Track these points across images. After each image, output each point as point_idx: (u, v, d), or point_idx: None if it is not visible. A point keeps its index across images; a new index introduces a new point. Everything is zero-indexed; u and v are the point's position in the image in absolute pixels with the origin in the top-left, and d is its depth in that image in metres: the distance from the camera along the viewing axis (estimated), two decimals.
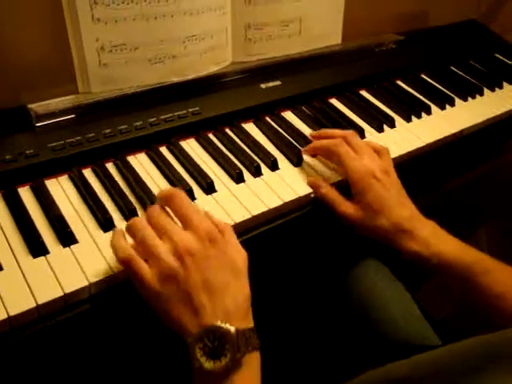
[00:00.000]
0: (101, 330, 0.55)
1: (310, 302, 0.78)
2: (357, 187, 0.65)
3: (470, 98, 0.96)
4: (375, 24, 1.03)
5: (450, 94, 0.95)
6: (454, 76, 1.03)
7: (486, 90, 1.00)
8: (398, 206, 0.64)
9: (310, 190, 0.67)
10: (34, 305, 0.48)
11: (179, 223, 0.52)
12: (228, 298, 0.48)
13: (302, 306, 0.78)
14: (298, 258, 0.79)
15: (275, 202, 0.64)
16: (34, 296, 0.49)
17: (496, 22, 1.29)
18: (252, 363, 0.47)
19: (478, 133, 0.90)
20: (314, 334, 0.74)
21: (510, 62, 1.13)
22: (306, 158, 0.72)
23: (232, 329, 0.46)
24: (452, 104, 0.93)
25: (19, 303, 0.48)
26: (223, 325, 0.46)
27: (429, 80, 1.00)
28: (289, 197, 0.65)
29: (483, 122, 0.90)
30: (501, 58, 1.14)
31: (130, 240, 0.52)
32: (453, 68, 1.06)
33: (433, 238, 0.63)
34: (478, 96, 0.98)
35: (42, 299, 0.49)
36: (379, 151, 0.70)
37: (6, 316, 0.47)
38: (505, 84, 1.04)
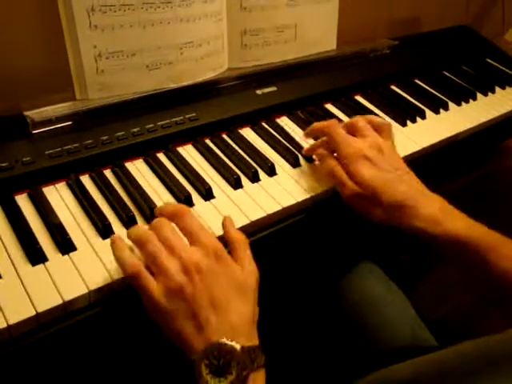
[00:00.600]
0: (102, 338, 0.55)
1: (305, 305, 0.78)
2: (349, 170, 0.63)
3: (463, 103, 0.97)
4: (369, 30, 1.04)
5: (443, 98, 0.96)
6: (447, 81, 1.04)
7: (478, 95, 1.01)
8: (396, 185, 0.62)
9: (308, 195, 0.67)
10: (33, 313, 0.48)
11: (185, 239, 0.52)
12: (234, 315, 0.48)
13: (298, 310, 0.77)
14: (295, 261, 0.79)
15: (274, 208, 0.64)
16: (33, 304, 0.48)
17: (484, 27, 1.31)
18: (258, 381, 0.46)
19: (472, 137, 0.91)
20: (311, 338, 0.74)
21: (501, 67, 1.14)
22: (303, 163, 0.73)
23: (237, 346, 0.45)
24: (446, 108, 0.94)
25: (19, 312, 0.47)
26: (229, 342, 0.45)
27: (422, 85, 1.00)
28: (287, 202, 0.65)
29: (478, 125, 0.91)
30: (492, 63, 1.16)
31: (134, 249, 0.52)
32: (446, 73, 1.07)
33: (439, 215, 0.60)
34: (471, 100, 0.99)
35: (42, 307, 0.48)
36: (379, 127, 0.68)
37: (5, 325, 0.46)
38: (497, 88, 1.05)
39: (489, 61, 1.16)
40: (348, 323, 0.75)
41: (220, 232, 0.59)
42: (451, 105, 0.95)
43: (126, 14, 0.65)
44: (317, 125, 0.70)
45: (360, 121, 0.68)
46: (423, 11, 1.21)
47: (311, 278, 0.79)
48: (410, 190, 0.62)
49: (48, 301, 0.49)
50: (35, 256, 0.52)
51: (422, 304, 0.81)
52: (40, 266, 0.52)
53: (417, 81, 1.01)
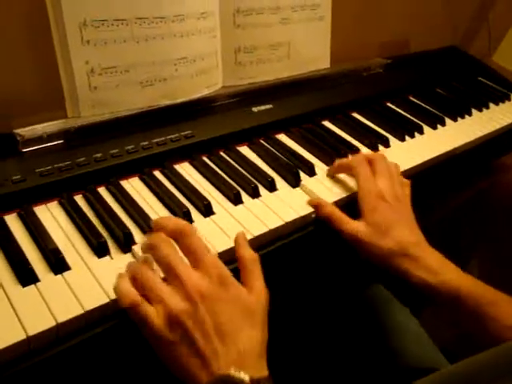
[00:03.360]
0: (97, 364, 0.51)
1: (314, 328, 0.75)
2: (366, 206, 0.64)
3: (459, 118, 0.97)
4: (359, 51, 1.04)
5: (439, 114, 0.95)
6: (442, 97, 1.04)
7: (474, 111, 1.01)
8: (406, 230, 0.63)
9: (310, 210, 0.65)
10: (24, 337, 0.44)
11: (186, 259, 0.49)
12: (241, 342, 0.44)
13: (305, 333, 0.74)
14: (299, 282, 0.76)
15: (276, 223, 0.62)
16: (23, 327, 0.44)
17: (471, 49, 1.33)
18: None
19: (467, 154, 0.90)
20: (321, 362, 0.71)
21: (493, 85, 1.15)
22: (304, 178, 0.71)
23: (246, 378, 0.41)
24: (443, 124, 0.93)
25: (7, 336, 0.44)
26: (237, 374, 0.42)
27: (417, 102, 1.00)
28: (289, 217, 0.63)
29: (476, 139, 0.91)
30: (484, 81, 1.17)
31: None
32: (439, 90, 1.07)
33: (440, 267, 0.61)
34: (466, 116, 0.99)
35: (33, 330, 0.44)
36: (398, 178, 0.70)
37: None
38: (491, 104, 1.06)
39: (481, 79, 1.17)
40: (363, 343, 0.72)
41: (222, 248, 0.56)
42: (448, 120, 0.94)
43: (118, 29, 0.64)
44: (341, 161, 0.71)
45: (385, 165, 0.69)
46: (411, 33, 1.22)
47: (320, 299, 0.77)
48: (417, 239, 0.64)
49: (40, 323, 0.45)
50: (25, 276, 0.49)
51: (426, 329, 0.79)
52: (31, 287, 0.48)
53: (411, 98, 1.01)
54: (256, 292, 0.48)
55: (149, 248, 0.49)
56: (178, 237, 0.49)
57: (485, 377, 0.39)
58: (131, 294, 0.46)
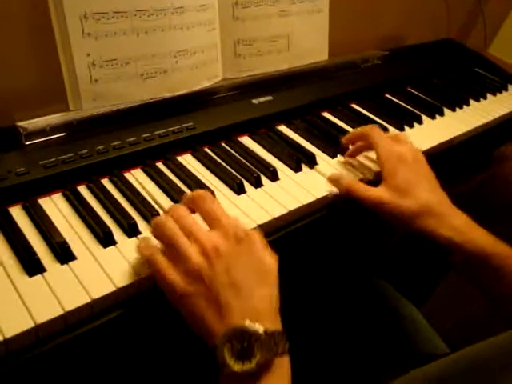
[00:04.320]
0: (105, 353, 0.51)
1: (316, 320, 0.75)
2: (387, 169, 0.64)
3: (457, 108, 0.97)
4: (356, 44, 1.05)
5: (438, 104, 0.96)
6: (439, 88, 1.05)
7: (471, 101, 1.01)
8: (427, 190, 0.63)
9: (313, 198, 0.65)
10: (32, 325, 0.44)
11: (205, 225, 0.51)
12: (256, 298, 0.46)
13: (310, 325, 0.75)
14: (300, 275, 0.77)
15: (279, 211, 0.62)
16: (31, 316, 0.45)
17: (466, 42, 1.34)
18: (283, 367, 0.44)
19: (466, 144, 0.91)
20: (323, 352, 0.71)
21: (490, 76, 1.15)
22: (305, 167, 0.71)
23: (261, 329, 0.43)
24: (441, 114, 0.93)
25: (16, 324, 0.44)
26: (252, 325, 0.43)
27: (415, 92, 1.01)
28: (292, 205, 0.63)
29: (474, 128, 0.91)
30: (481, 72, 1.17)
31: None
32: (437, 81, 1.08)
33: (465, 226, 0.61)
34: (464, 106, 0.99)
35: (41, 319, 0.45)
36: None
37: (1, 338, 0.43)
38: (488, 95, 1.06)
39: (478, 70, 1.17)
40: (361, 336, 0.73)
41: None
42: (446, 110, 0.95)
43: (119, 22, 0.64)
44: (355, 130, 0.73)
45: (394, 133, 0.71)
46: (407, 27, 1.23)
47: (322, 292, 0.77)
48: (439, 198, 0.64)
49: (47, 311, 0.45)
50: (32, 266, 0.49)
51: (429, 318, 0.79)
52: (38, 277, 0.48)
53: (409, 89, 1.01)
54: (267, 253, 0.50)
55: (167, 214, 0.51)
56: (196, 203, 0.52)
57: (497, 362, 0.39)
58: (151, 247, 0.49)
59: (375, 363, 0.69)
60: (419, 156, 0.67)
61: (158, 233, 0.50)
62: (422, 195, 0.62)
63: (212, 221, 0.50)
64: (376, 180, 0.69)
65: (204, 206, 0.51)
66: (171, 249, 0.48)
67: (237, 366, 0.42)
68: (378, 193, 0.63)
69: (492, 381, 0.38)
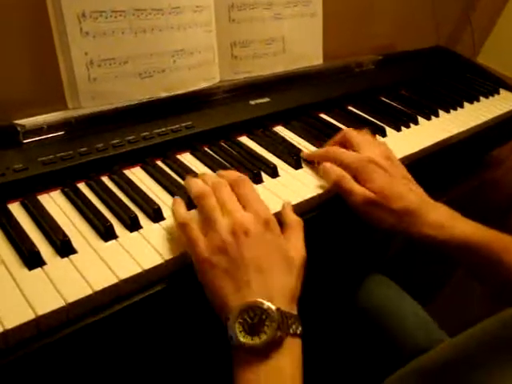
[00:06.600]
0: (106, 346, 0.50)
1: (318, 317, 0.74)
2: (363, 177, 0.63)
3: (452, 110, 0.98)
4: (348, 50, 1.06)
5: (433, 106, 0.97)
6: (434, 91, 1.06)
7: (465, 103, 1.02)
8: (405, 191, 0.62)
9: (314, 194, 0.65)
10: (32, 316, 0.43)
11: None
12: (275, 282, 0.47)
13: (312, 322, 0.74)
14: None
15: (280, 207, 0.61)
16: (32, 307, 0.44)
17: (456, 50, 1.36)
18: (294, 348, 0.44)
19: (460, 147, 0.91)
20: (325, 353, 0.70)
21: (483, 80, 1.17)
22: (304, 164, 0.71)
23: (274, 307, 0.44)
24: (437, 115, 0.94)
25: (16, 316, 0.43)
26: (266, 302, 0.44)
27: (410, 96, 1.02)
28: (294, 200, 0.63)
29: (469, 129, 0.92)
30: (473, 77, 1.19)
31: None
32: (431, 85, 1.09)
33: (446, 221, 0.60)
34: (459, 108, 1.00)
35: (42, 310, 0.43)
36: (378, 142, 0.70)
37: (1, 330, 0.41)
38: (481, 98, 1.07)
39: (469, 76, 1.19)
40: (364, 332, 0.72)
41: None
42: (441, 112, 0.96)
43: (117, 21, 0.64)
44: (317, 151, 0.72)
45: (363, 133, 0.70)
46: (396, 36, 1.24)
47: (323, 289, 0.76)
48: (417, 198, 0.63)
49: (48, 303, 0.44)
50: (32, 260, 0.48)
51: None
52: (38, 270, 0.47)
53: (404, 92, 1.02)
54: (296, 248, 0.51)
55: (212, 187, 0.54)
56: (236, 184, 0.54)
57: (484, 350, 0.40)
58: (184, 213, 0.53)
59: (374, 361, 0.68)
60: (390, 156, 0.67)
61: (196, 200, 0.53)
62: (404, 198, 0.61)
63: (246, 204, 0.52)
64: None
65: (242, 188, 0.54)
66: (205, 219, 0.50)
67: (246, 340, 0.43)
68: (362, 197, 0.62)
69: (483, 366, 0.38)
